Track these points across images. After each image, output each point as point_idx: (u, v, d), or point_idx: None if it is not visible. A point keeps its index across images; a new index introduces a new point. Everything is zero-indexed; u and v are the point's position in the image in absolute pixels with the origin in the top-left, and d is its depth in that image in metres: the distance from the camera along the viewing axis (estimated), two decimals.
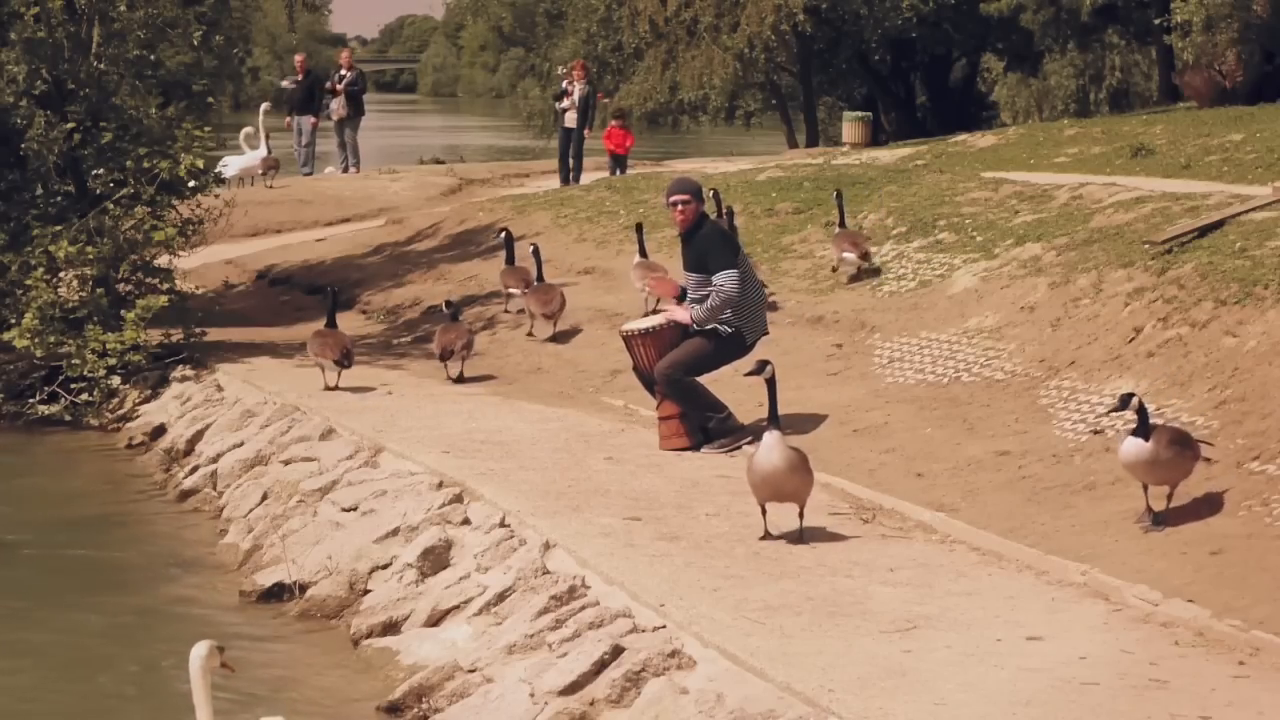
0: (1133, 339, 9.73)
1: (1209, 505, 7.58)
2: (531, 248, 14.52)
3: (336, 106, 25.84)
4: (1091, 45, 33.38)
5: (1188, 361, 9.11)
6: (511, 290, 14.37)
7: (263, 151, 24.82)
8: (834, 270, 13.34)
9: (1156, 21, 24.39)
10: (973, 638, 6.35)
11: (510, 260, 14.55)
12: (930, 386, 10.42)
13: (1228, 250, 10.14)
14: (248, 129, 25.43)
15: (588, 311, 14.31)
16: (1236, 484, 7.68)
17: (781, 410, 8.14)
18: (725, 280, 9.91)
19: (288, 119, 26.46)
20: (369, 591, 8.40)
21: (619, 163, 23.94)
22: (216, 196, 15.41)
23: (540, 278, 14.15)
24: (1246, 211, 10.90)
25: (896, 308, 12.11)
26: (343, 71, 26.31)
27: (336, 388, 12.17)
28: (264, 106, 26.46)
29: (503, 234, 15.06)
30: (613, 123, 24.31)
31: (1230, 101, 20.12)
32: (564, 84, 24.17)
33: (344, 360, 12.21)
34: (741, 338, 10.10)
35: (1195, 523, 7.42)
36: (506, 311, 14.56)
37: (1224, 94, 20.85)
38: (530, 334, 13.99)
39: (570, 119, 23.60)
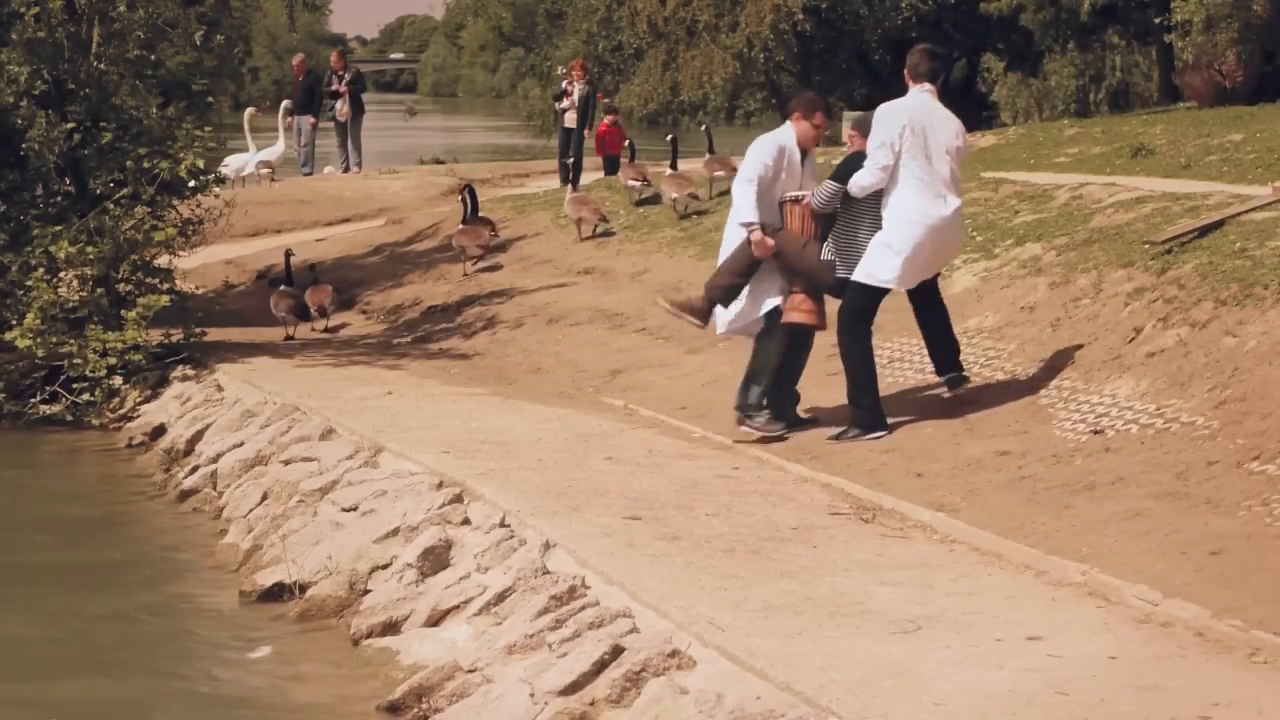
0: (1133, 339, 9.73)
1: (1209, 505, 7.58)
2: (466, 187, 18.13)
3: (340, 106, 25.85)
4: (1091, 45, 33.36)
5: (1188, 361, 9.10)
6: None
7: (279, 148, 25.01)
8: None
9: (1156, 21, 24.39)
10: (973, 638, 6.34)
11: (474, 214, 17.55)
12: (930, 386, 10.42)
13: (1228, 250, 10.14)
14: (251, 109, 25.49)
15: (587, 311, 14.31)
16: (1236, 484, 7.67)
17: None
18: (861, 177, 9.55)
19: (288, 119, 26.49)
20: (369, 591, 8.39)
21: (612, 164, 23.11)
22: (216, 196, 15.42)
23: (465, 219, 17.34)
24: (1246, 211, 10.90)
25: (896, 308, 12.08)
26: (340, 72, 26.32)
27: (291, 338, 15.17)
28: (285, 104, 26.54)
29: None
30: (606, 119, 23.46)
31: (1230, 101, 20.11)
32: (564, 84, 24.07)
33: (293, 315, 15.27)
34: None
35: (1195, 523, 7.42)
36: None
37: (1224, 94, 20.83)
38: (465, 274, 16.82)
39: (570, 119, 23.46)
